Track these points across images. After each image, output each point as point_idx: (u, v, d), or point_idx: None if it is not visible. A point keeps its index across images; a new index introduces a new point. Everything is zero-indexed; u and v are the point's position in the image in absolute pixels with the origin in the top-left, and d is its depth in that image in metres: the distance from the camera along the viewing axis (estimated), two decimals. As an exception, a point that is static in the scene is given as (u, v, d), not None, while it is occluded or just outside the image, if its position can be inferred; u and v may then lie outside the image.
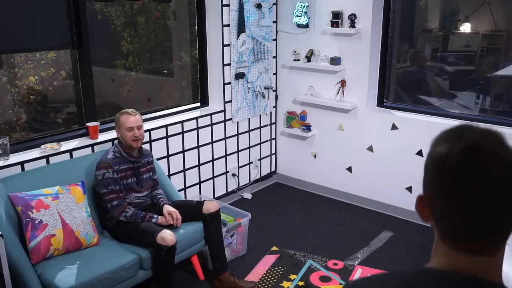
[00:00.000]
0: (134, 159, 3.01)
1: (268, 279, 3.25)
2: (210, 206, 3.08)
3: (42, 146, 3.08)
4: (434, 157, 0.80)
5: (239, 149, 4.48)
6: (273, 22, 4.46)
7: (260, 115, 4.59)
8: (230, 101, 4.24)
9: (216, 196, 4.31)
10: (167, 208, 3.01)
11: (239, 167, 4.52)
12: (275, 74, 4.66)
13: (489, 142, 0.77)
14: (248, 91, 4.37)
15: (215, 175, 4.28)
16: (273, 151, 4.88)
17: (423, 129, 3.84)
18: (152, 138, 3.64)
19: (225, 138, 4.30)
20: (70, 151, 3.16)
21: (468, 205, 0.77)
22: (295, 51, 4.42)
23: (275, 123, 4.80)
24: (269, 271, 3.35)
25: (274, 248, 3.65)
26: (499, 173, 0.75)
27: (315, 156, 4.61)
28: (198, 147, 4.05)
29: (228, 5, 3.99)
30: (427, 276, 0.82)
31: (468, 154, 0.76)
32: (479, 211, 0.76)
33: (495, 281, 0.81)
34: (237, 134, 4.42)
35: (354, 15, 3.93)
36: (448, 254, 0.82)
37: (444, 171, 0.78)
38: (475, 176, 0.75)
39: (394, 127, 3.99)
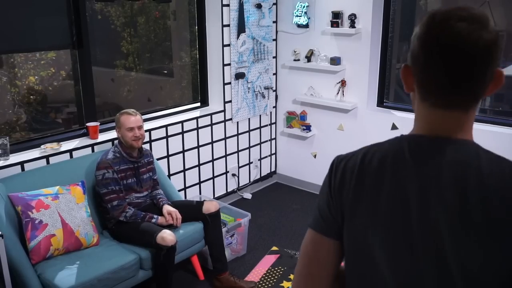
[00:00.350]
0: (134, 159, 3.01)
1: (268, 279, 3.25)
2: (210, 206, 3.08)
3: (42, 146, 3.08)
4: (420, 26, 0.92)
5: (239, 149, 4.48)
6: (273, 22, 4.46)
7: (260, 115, 4.59)
8: (230, 101, 4.24)
9: (216, 196, 4.31)
10: (167, 208, 3.01)
11: (239, 167, 4.52)
12: (275, 74, 4.66)
13: (459, 10, 0.89)
14: (248, 91, 4.37)
15: (215, 175, 4.28)
16: (273, 151, 4.89)
17: (423, 129, 3.83)
18: (152, 138, 3.64)
19: (225, 138, 4.30)
20: (70, 151, 3.16)
21: (442, 62, 0.88)
22: (295, 51, 4.42)
23: (275, 123, 4.80)
24: (269, 271, 3.35)
25: (274, 248, 3.65)
26: (466, 32, 0.86)
27: (315, 156, 4.61)
28: (198, 147, 4.05)
29: (228, 5, 3.99)
30: (407, 141, 0.94)
31: (442, 19, 0.89)
32: (451, 67, 0.88)
33: (465, 138, 0.93)
34: (237, 134, 4.42)
35: (354, 15, 3.93)
36: (426, 114, 0.94)
37: (426, 35, 0.90)
38: (446, 36, 0.87)
39: (394, 127, 3.99)
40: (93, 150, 3.28)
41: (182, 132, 3.89)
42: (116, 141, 3.07)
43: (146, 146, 3.48)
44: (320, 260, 1.02)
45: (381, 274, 0.94)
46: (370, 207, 0.94)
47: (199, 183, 4.15)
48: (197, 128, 4.01)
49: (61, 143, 3.18)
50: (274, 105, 4.72)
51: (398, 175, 0.92)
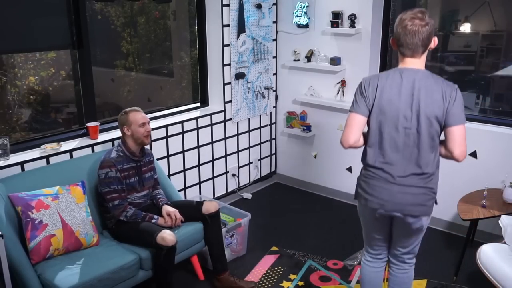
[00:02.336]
0: (137, 158, 3.01)
1: (268, 279, 3.25)
2: (209, 207, 3.08)
3: (42, 146, 3.08)
4: (398, 20, 2.07)
5: (239, 149, 4.48)
6: (273, 22, 4.46)
7: (260, 115, 4.60)
8: (230, 101, 4.24)
9: (216, 196, 4.31)
10: (166, 208, 3.01)
11: (239, 167, 4.52)
12: (275, 74, 4.66)
13: (417, 11, 2.04)
14: (248, 91, 4.37)
15: (215, 175, 4.28)
16: (273, 151, 4.89)
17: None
18: (152, 138, 3.63)
19: (225, 138, 4.30)
20: (70, 151, 3.16)
21: (407, 36, 2.04)
22: (295, 51, 4.42)
23: (275, 123, 4.80)
24: (269, 271, 3.35)
25: (274, 248, 3.65)
26: (415, 25, 2.02)
27: (315, 156, 4.61)
28: (198, 147, 4.05)
29: (228, 5, 3.99)
30: (396, 70, 2.16)
31: (407, 17, 2.04)
32: (412, 41, 2.05)
33: (422, 68, 2.12)
34: (237, 134, 4.42)
35: (354, 15, 3.93)
36: (403, 60, 2.15)
37: (400, 23, 2.06)
38: (406, 25, 2.03)
39: (394, 127, 3.99)
40: (93, 150, 3.28)
41: (182, 132, 3.89)
42: (118, 141, 3.07)
43: (146, 146, 3.47)
44: (355, 122, 2.20)
45: (383, 133, 2.16)
46: (383, 99, 2.13)
47: (199, 183, 4.15)
48: (197, 128, 4.01)
49: (61, 143, 3.18)
50: (274, 105, 4.73)
51: (395, 85, 2.11)
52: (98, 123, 3.37)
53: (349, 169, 4.36)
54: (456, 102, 2.05)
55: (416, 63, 2.11)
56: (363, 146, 2.25)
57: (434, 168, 2.15)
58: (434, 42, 2.10)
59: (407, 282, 2.41)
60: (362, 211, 2.31)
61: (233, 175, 4.46)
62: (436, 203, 2.22)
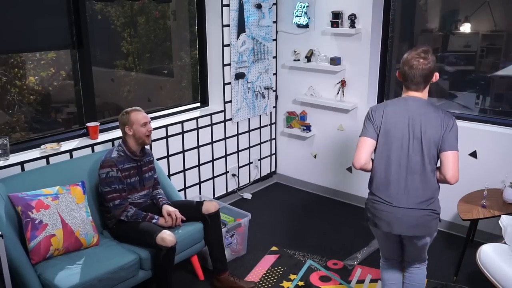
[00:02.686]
0: (138, 158, 3.01)
1: (268, 279, 3.25)
2: (209, 207, 3.08)
3: (42, 146, 3.08)
4: (405, 57, 2.31)
5: (239, 149, 4.48)
6: (273, 22, 4.46)
7: (260, 115, 4.60)
8: (230, 101, 4.24)
9: (216, 196, 4.31)
10: (166, 208, 3.02)
11: (239, 167, 4.52)
12: (275, 74, 4.66)
13: (420, 51, 2.28)
14: (248, 91, 4.37)
15: (215, 175, 4.28)
16: (273, 151, 4.89)
17: (423, 129, 3.84)
18: (152, 138, 3.62)
19: (225, 138, 4.30)
20: (70, 151, 3.16)
21: (412, 73, 2.27)
22: (295, 51, 4.42)
23: (275, 123, 4.80)
24: (269, 271, 3.35)
25: (274, 248, 3.65)
26: (420, 64, 2.26)
27: (315, 156, 4.61)
28: (198, 147, 4.05)
29: (228, 5, 3.99)
30: (401, 98, 2.38)
31: (411, 57, 2.28)
32: (416, 78, 2.28)
33: (424, 98, 2.35)
34: (237, 134, 4.42)
35: (354, 15, 3.93)
36: (407, 92, 2.35)
37: (406, 62, 2.30)
38: (412, 64, 2.27)
39: (394, 127, 3.99)
40: (93, 150, 3.28)
41: (182, 132, 3.89)
42: (118, 141, 3.07)
43: (146, 146, 3.47)
44: (365, 145, 2.36)
45: (389, 153, 2.34)
46: (388, 123, 2.33)
47: (199, 183, 4.15)
48: (197, 128, 4.01)
49: (61, 143, 3.18)
50: (274, 105, 4.73)
51: (400, 110, 2.33)
52: (98, 123, 3.37)
53: (349, 169, 4.36)
54: (452, 130, 2.26)
55: (419, 95, 2.34)
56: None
57: (435, 191, 2.34)
58: (436, 77, 2.33)
59: (422, 278, 2.63)
60: (374, 231, 2.55)
61: (233, 175, 4.46)
62: (440, 221, 2.39)
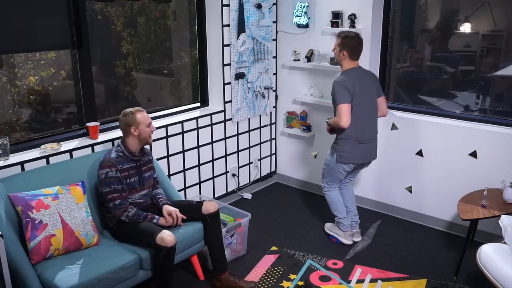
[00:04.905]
0: (137, 158, 3.01)
1: (268, 279, 3.25)
2: (209, 207, 3.08)
3: (42, 146, 3.08)
4: (347, 36, 3.35)
5: (239, 149, 4.48)
6: (273, 22, 4.46)
7: (260, 115, 4.60)
8: (230, 101, 4.24)
9: (216, 196, 4.31)
10: (167, 208, 3.01)
11: (239, 167, 4.52)
12: (275, 74, 4.66)
13: (355, 33, 3.41)
14: (248, 91, 4.37)
15: (215, 175, 4.28)
16: (273, 151, 4.89)
17: (423, 129, 3.84)
18: (152, 138, 3.62)
19: (225, 138, 4.30)
20: (70, 151, 3.16)
21: (354, 47, 3.34)
22: (295, 51, 4.42)
23: (275, 123, 4.80)
24: (269, 271, 3.35)
25: (274, 248, 3.65)
26: (359, 40, 3.36)
27: (315, 156, 4.61)
28: (198, 147, 4.05)
29: (228, 5, 3.99)
30: (355, 69, 3.40)
31: (354, 34, 3.37)
32: (356, 49, 3.36)
33: (360, 67, 3.49)
34: (237, 134, 4.42)
35: (354, 15, 3.93)
36: (353, 63, 3.38)
37: (355, 37, 3.36)
38: (360, 39, 3.37)
39: (394, 127, 4.00)
40: (93, 150, 3.28)
41: (182, 132, 3.89)
42: (118, 141, 3.07)
43: (146, 146, 3.47)
44: (348, 110, 3.27)
45: (359, 113, 3.35)
46: (357, 90, 3.33)
47: (199, 183, 4.15)
48: (197, 128, 4.01)
49: (61, 143, 3.18)
50: (274, 105, 4.73)
51: (360, 79, 3.36)
52: (98, 123, 3.37)
53: (349, 169, 4.36)
54: (378, 82, 3.56)
55: (358, 63, 3.42)
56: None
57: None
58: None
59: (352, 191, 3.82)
60: (347, 167, 3.53)
61: (233, 175, 4.46)
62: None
